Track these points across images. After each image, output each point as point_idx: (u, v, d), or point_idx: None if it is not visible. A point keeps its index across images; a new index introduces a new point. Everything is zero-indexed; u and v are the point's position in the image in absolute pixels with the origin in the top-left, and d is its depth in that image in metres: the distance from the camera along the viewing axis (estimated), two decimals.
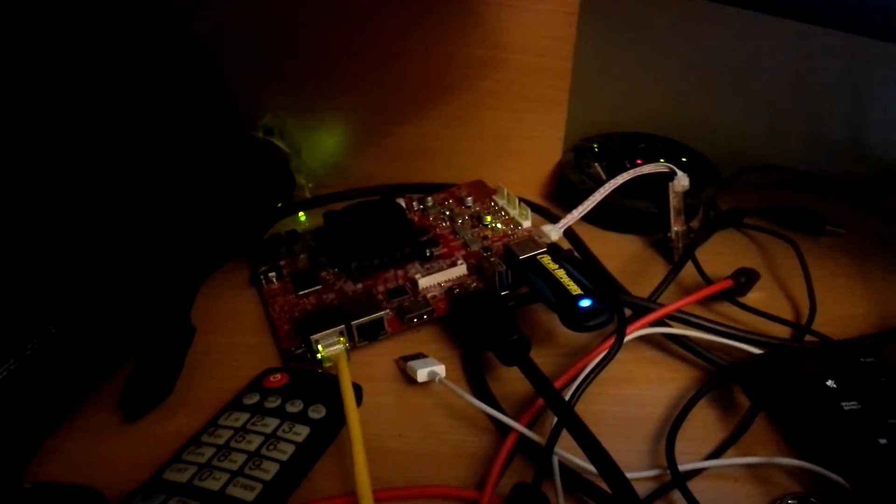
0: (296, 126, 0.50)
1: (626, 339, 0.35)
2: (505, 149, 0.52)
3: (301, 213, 0.48)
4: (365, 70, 0.48)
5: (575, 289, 0.34)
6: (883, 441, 0.29)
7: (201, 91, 0.48)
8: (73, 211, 0.37)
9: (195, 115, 0.46)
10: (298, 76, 0.48)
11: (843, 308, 0.41)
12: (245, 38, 0.46)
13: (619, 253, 0.46)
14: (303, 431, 0.30)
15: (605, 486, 0.28)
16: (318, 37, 0.46)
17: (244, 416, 0.31)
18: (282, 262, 0.43)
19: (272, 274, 0.41)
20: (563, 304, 0.34)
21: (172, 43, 0.46)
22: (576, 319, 0.33)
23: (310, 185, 0.51)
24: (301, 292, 0.40)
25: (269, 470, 0.27)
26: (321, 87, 0.49)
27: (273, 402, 0.31)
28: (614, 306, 0.34)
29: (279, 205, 0.47)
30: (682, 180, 0.44)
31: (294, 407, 0.31)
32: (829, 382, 0.32)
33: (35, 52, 0.42)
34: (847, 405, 0.31)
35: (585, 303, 0.33)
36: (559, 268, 0.36)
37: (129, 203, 0.39)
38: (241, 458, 0.28)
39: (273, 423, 0.30)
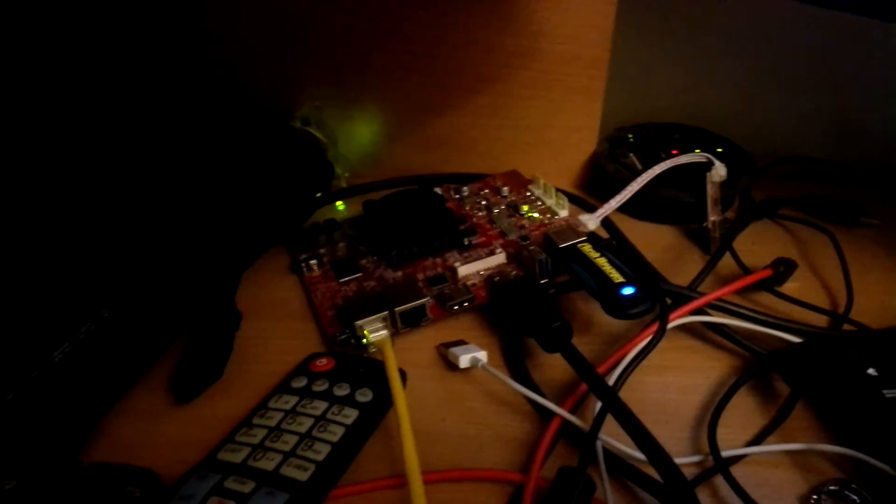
0: (333, 116, 0.50)
1: (667, 327, 0.35)
2: (540, 139, 0.52)
3: (339, 203, 0.49)
4: (401, 60, 0.48)
5: (617, 277, 0.35)
6: None
7: (240, 83, 0.48)
8: (125, 202, 0.38)
9: (236, 108, 0.46)
10: (335, 67, 0.49)
11: (879, 298, 0.41)
12: (281, 28, 0.47)
13: (655, 243, 0.46)
14: (351, 414, 0.30)
15: (648, 472, 0.29)
16: (354, 27, 0.47)
17: (293, 399, 0.31)
18: (321, 251, 0.43)
19: (313, 262, 0.42)
20: (606, 292, 0.34)
21: (210, 36, 0.47)
22: (618, 307, 0.33)
23: (346, 175, 0.51)
24: (342, 279, 0.40)
25: (321, 451, 0.28)
26: (358, 77, 0.49)
27: (321, 386, 0.32)
28: (656, 294, 0.34)
29: (318, 194, 0.47)
30: (719, 170, 0.44)
31: (342, 390, 0.32)
32: (871, 370, 0.33)
33: (86, 45, 0.43)
34: (889, 393, 0.31)
35: (628, 290, 0.34)
36: (600, 256, 0.36)
37: (177, 194, 0.39)
38: (293, 439, 0.29)
39: (322, 405, 0.31)
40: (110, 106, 0.43)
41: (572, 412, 0.32)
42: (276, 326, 0.39)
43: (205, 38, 0.47)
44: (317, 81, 0.49)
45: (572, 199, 0.48)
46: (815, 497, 0.29)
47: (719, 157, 0.45)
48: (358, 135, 0.51)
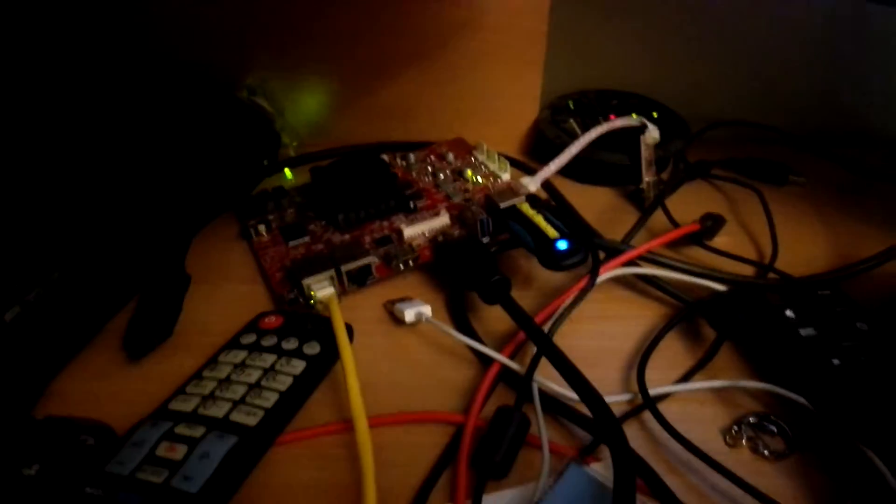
0: (279, 87, 0.51)
1: (600, 279, 0.37)
2: (484, 107, 0.53)
3: (287, 170, 0.50)
4: (346, 30, 0.49)
5: (553, 232, 0.36)
6: (836, 362, 0.32)
7: (186, 54, 0.49)
8: (74, 169, 0.38)
9: (183, 79, 0.47)
10: (280, 37, 0.49)
11: (803, 250, 0.44)
12: (226, 1, 0.47)
13: (593, 204, 0.48)
14: (299, 365, 0.32)
15: (581, 410, 0.31)
16: None
17: (242, 354, 0.33)
18: (270, 217, 0.44)
19: (262, 227, 0.42)
20: (542, 247, 0.36)
21: (157, 10, 0.47)
22: (553, 259, 0.35)
23: (294, 144, 0.52)
24: (291, 243, 0.41)
25: (270, 398, 0.29)
26: (303, 47, 0.50)
27: (269, 341, 0.33)
28: (589, 247, 0.36)
29: (265, 162, 0.48)
30: (652, 133, 0.46)
31: (290, 344, 0.33)
32: (788, 312, 0.35)
33: (31, 16, 0.43)
34: (804, 331, 0.34)
35: (562, 244, 0.35)
36: (537, 214, 0.38)
37: (126, 161, 0.40)
38: (242, 389, 0.30)
39: (270, 358, 0.32)
40: (60, 75, 0.43)
41: (511, 358, 0.34)
42: (226, 289, 0.39)
43: (152, 11, 0.47)
44: (262, 52, 0.50)
45: (516, 164, 0.50)
46: (735, 428, 0.32)
47: (654, 121, 0.48)
48: (304, 105, 0.52)
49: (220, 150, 0.45)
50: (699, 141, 0.54)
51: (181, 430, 0.27)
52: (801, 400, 0.31)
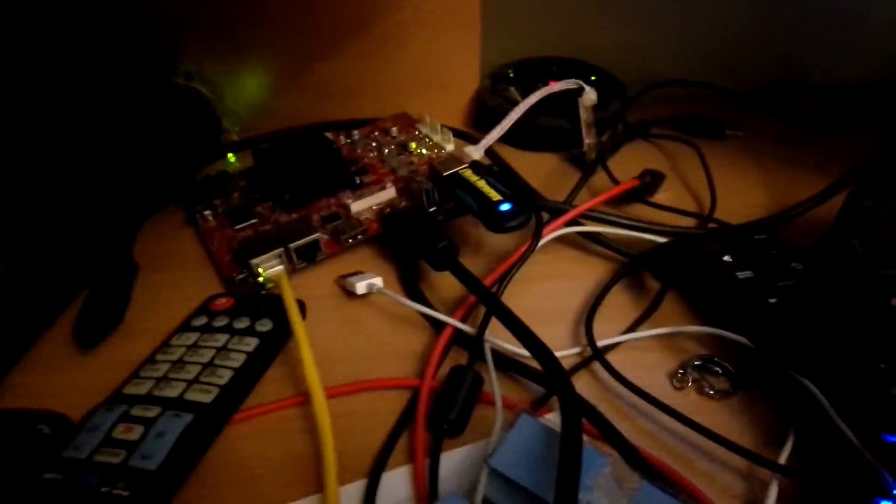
0: (216, 71, 0.50)
1: (545, 239, 0.38)
2: (425, 79, 0.53)
3: (230, 155, 0.50)
4: (281, 10, 0.48)
5: (496, 196, 0.37)
6: (773, 300, 0.33)
7: (119, 41, 0.48)
8: (15, 162, 0.38)
9: (119, 67, 0.46)
10: (215, 21, 0.48)
11: (741, 200, 0.45)
12: None
13: (538, 169, 0.49)
14: (252, 342, 0.32)
15: (532, 366, 0.32)
16: None
17: (194, 336, 0.33)
18: (216, 202, 0.44)
19: (207, 212, 0.42)
20: (486, 210, 0.37)
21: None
22: (497, 222, 0.36)
23: (236, 129, 0.52)
24: (238, 226, 0.41)
25: (224, 376, 0.30)
26: (238, 30, 0.49)
27: (221, 322, 0.34)
28: (532, 208, 0.37)
29: (206, 147, 0.48)
30: (590, 94, 0.47)
31: (241, 323, 0.33)
32: (726, 258, 0.36)
33: None
34: (742, 274, 0.35)
35: (505, 206, 0.36)
36: (480, 179, 0.39)
37: (66, 152, 0.39)
38: (195, 369, 0.30)
39: (223, 338, 0.32)
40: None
41: (463, 322, 0.35)
42: (175, 275, 0.39)
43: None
44: (198, 37, 0.49)
45: (459, 134, 0.51)
46: (681, 372, 0.33)
47: (593, 84, 0.48)
48: (243, 88, 0.52)
49: (161, 137, 0.44)
50: (640, 103, 0.55)
51: (136, 411, 0.28)
52: (743, 340, 0.33)
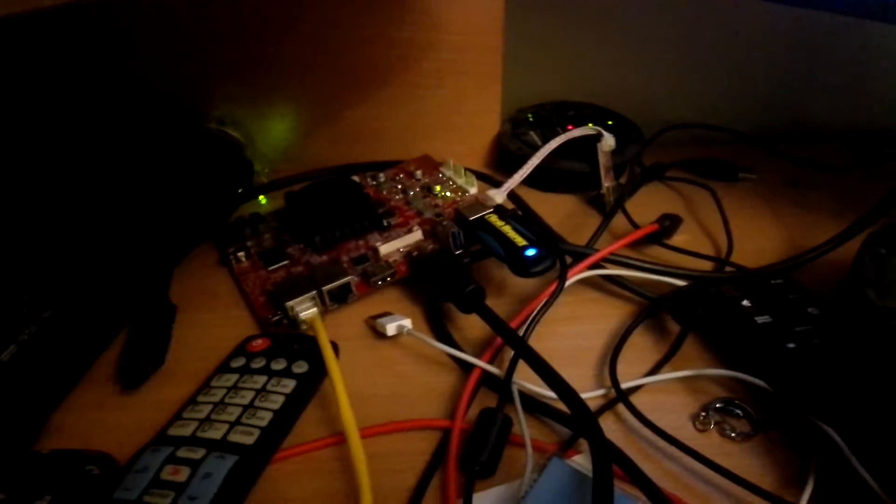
0: (247, 116, 0.52)
1: (569, 282, 0.40)
2: (447, 124, 0.55)
3: (261, 197, 0.51)
4: (309, 58, 0.50)
5: (521, 241, 0.38)
6: (791, 345, 0.34)
7: (154, 92, 0.50)
8: (58, 209, 0.39)
9: (154, 116, 0.48)
10: (245, 68, 0.51)
11: (756, 243, 0.47)
12: (190, 34, 0.48)
13: (557, 211, 0.50)
14: (289, 384, 0.33)
15: (560, 407, 0.33)
16: (261, 28, 0.49)
17: (234, 377, 0.34)
18: (248, 243, 0.45)
19: (241, 253, 0.44)
20: (511, 255, 0.38)
21: (121, 50, 0.48)
22: (523, 267, 0.37)
23: (266, 171, 0.54)
24: (270, 267, 0.43)
25: (264, 417, 0.31)
26: (266, 77, 0.51)
27: (259, 363, 0.35)
28: (556, 253, 0.38)
29: (239, 190, 0.49)
30: (608, 140, 0.49)
31: (279, 365, 0.35)
32: (745, 302, 0.37)
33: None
34: (760, 319, 0.36)
35: (531, 252, 0.37)
36: (505, 224, 0.40)
37: (108, 198, 0.41)
38: (237, 410, 0.31)
39: (261, 379, 0.34)
40: (38, 119, 0.44)
41: (490, 363, 0.36)
42: (211, 316, 0.41)
43: (118, 53, 0.48)
44: (229, 83, 0.51)
45: (481, 177, 0.52)
46: (703, 414, 0.34)
47: (610, 129, 0.50)
48: (273, 132, 0.53)
49: (196, 180, 0.46)
50: (654, 145, 0.57)
51: (182, 453, 0.29)
52: (762, 383, 0.34)
